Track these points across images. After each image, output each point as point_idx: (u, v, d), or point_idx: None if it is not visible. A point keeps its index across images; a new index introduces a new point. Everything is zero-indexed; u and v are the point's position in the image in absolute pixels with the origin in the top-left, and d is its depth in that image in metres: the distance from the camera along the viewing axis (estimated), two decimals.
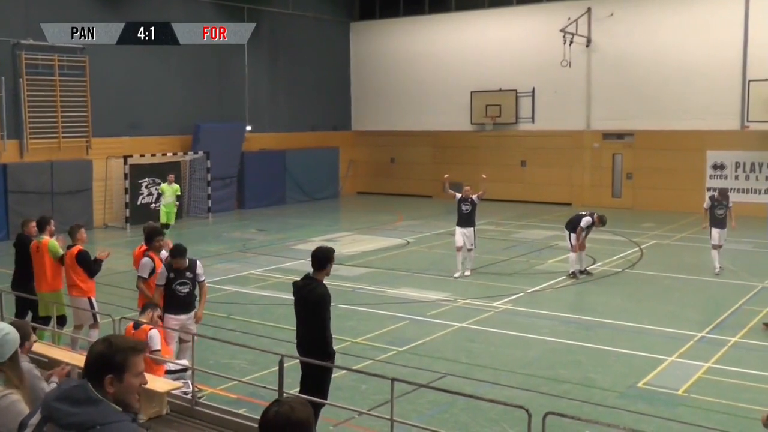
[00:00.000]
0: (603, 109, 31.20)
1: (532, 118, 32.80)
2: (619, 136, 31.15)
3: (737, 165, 28.71)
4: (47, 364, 8.34)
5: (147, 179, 27.66)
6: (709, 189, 28.22)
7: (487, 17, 33.84)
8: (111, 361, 3.48)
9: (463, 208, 18.03)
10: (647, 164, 30.30)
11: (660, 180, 29.95)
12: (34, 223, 12.50)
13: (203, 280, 10.72)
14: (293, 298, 8.67)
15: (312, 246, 9.53)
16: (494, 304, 15.37)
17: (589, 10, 31.06)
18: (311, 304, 8.43)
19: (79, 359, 8.77)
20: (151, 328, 9.43)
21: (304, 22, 34.76)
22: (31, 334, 6.02)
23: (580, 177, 31.78)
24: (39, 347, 8.55)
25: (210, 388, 10.23)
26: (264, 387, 9.54)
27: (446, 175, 19.52)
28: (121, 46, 26.97)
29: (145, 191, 27.66)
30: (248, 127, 32.04)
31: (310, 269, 8.73)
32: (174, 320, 10.37)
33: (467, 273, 17.86)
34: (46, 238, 12.02)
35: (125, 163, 26.82)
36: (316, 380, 8.52)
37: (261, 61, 32.98)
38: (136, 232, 25.12)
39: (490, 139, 33.78)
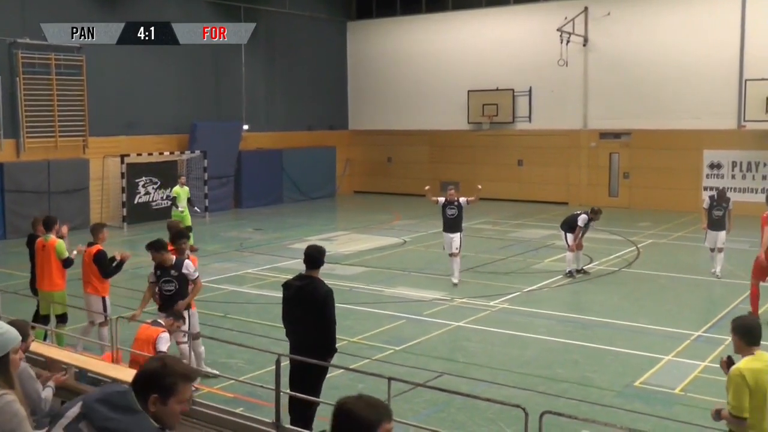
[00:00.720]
0: (600, 109, 31.23)
1: (529, 117, 32.82)
2: (616, 135, 31.18)
3: (734, 164, 28.76)
4: (43, 364, 8.33)
5: (144, 178, 27.65)
6: (706, 188, 28.30)
7: (484, 16, 33.86)
8: (160, 382, 3.52)
9: (449, 212, 17.02)
10: (644, 163, 30.33)
11: (657, 179, 29.99)
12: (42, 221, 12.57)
13: (196, 277, 10.59)
14: (287, 299, 8.64)
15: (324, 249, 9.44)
16: (491, 304, 15.38)
17: (585, 9, 31.09)
18: (317, 302, 8.38)
19: (77, 359, 8.78)
20: (164, 332, 9.44)
21: (301, 21, 34.75)
22: (30, 334, 6.02)
23: (577, 176, 31.81)
24: (37, 347, 8.54)
25: (207, 387, 10.22)
26: (261, 386, 9.54)
27: (427, 187, 18.46)
28: (118, 45, 27.01)
29: (142, 190, 27.65)
30: (245, 127, 32.03)
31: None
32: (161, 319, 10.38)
33: (455, 281, 16.86)
34: (53, 237, 12.05)
35: (122, 162, 26.81)
36: (314, 380, 8.53)
37: (258, 60, 32.97)
38: (133, 231, 25.18)
39: (486, 139, 33.79)
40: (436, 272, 18.08)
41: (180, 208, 20.97)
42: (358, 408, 3.32)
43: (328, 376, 8.72)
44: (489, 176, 33.72)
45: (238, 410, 8.36)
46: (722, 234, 17.28)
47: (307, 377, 8.51)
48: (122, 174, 26.87)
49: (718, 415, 6.22)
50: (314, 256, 8.57)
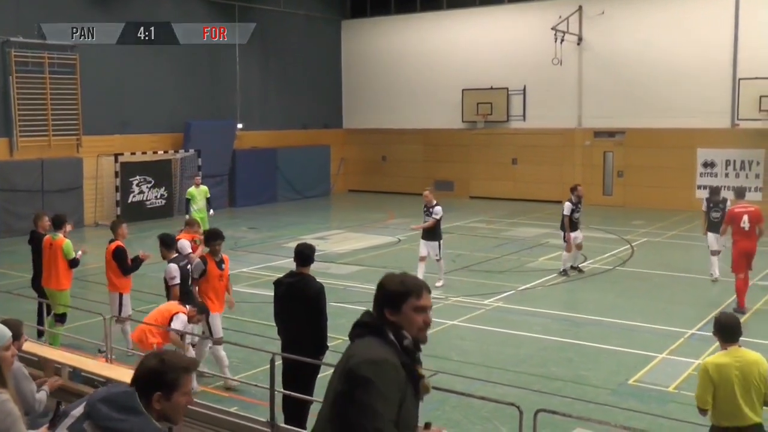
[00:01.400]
0: (594, 107, 31.26)
1: (524, 116, 32.84)
2: (611, 134, 31.22)
3: (727, 163, 28.82)
4: (37, 363, 8.32)
5: (138, 177, 27.59)
6: (700, 187, 28.39)
7: (479, 15, 33.87)
8: (162, 378, 3.51)
9: (426, 219, 16.44)
10: (638, 162, 30.38)
11: (651, 178, 30.04)
12: (46, 218, 12.56)
13: (173, 285, 10.77)
14: (279, 296, 8.67)
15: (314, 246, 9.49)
16: (485, 302, 15.39)
17: (580, 8, 31.12)
18: (310, 299, 8.45)
19: (70, 359, 8.76)
20: (185, 313, 9.66)
21: (296, 20, 34.72)
22: (23, 333, 6.00)
23: (571, 175, 31.75)
24: (32, 346, 8.52)
25: (201, 386, 10.21)
26: (255, 385, 9.54)
27: (412, 226, 17.91)
28: (112, 44, 26.98)
29: (136, 189, 27.60)
30: (239, 125, 31.99)
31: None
32: None
33: (438, 284, 16.31)
34: (60, 236, 12.05)
35: (116, 161, 26.76)
36: (307, 378, 8.54)
37: (252, 59, 32.93)
38: (128, 230, 25.07)
39: (481, 137, 33.81)
40: (430, 271, 18.06)
41: (195, 209, 20.04)
42: (390, 282, 3.82)
43: (322, 375, 8.72)
44: (483, 175, 33.81)
45: (233, 409, 8.36)
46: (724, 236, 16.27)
47: (300, 375, 8.53)
48: (116, 173, 26.82)
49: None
50: (305, 253, 8.66)
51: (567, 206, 17.74)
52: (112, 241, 11.97)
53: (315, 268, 8.69)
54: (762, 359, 6.54)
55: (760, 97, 26.96)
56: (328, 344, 8.63)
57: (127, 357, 10.58)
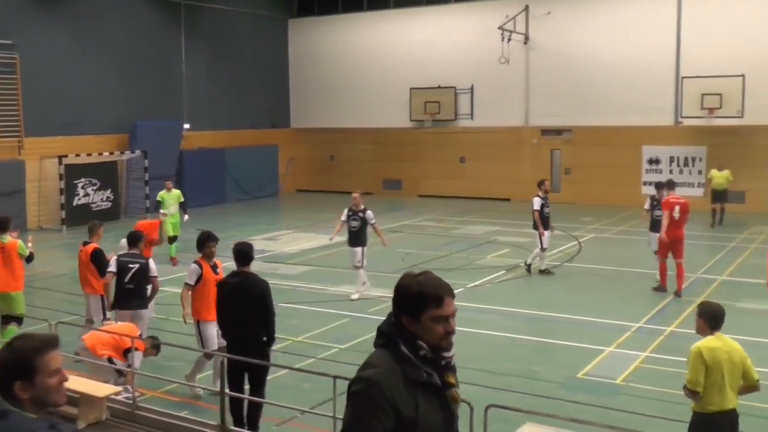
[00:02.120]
0: (541, 106, 31.57)
1: (471, 114, 33.04)
2: (558, 132, 31.58)
3: (671, 159, 29.38)
4: None
5: (83, 179, 27.08)
6: (645, 183, 28.87)
7: (426, 14, 33.99)
8: (15, 367, 3.22)
9: (352, 224, 15.62)
10: (585, 160, 30.78)
11: (598, 175, 30.45)
12: None
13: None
14: (225, 297, 8.62)
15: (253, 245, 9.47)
16: None
17: (526, 8, 31.40)
18: (255, 298, 8.46)
19: None
20: (137, 349, 9.25)
21: (243, 18, 34.46)
22: None
23: (519, 172, 32.08)
24: None
25: (150, 392, 10.05)
26: (204, 388, 9.43)
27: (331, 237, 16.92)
28: (54, 42, 26.49)
29: (81, 192, 27.09)
30: (186, 125, 31.63)
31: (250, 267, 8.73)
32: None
33: (354, 297, 15.59)
34: (10, 238, 11.79)
35: (60, 163, 26.22)
36: (258, 377, 8.50)
37: (199, 58, 32.59)
38: (73, 233, 24.61)
39: (429, 136, 33.92)
40: (379, 270, 18.06)
41: (164, 213, 19.03)
42: (407, 288, 3.60)
43: (274, 376, 8.66)
44: (432, 173, 33.92)
45: (183, 413, 8.25)
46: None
47: (250, 375, 8.47)
48: (60, 175, 26.26)
49: (685, 389, 6.81)
50: (246, 252, 8.77)
51: (536, 201, 17.64)
52: (86, 243, 11.76)
53: (265, 269, 8.70)
54: (741, 347, 6.80)
55: (702, 95, 27.51)
56: (274, 348, 8.59)
57: (73, 364, 10.36)
